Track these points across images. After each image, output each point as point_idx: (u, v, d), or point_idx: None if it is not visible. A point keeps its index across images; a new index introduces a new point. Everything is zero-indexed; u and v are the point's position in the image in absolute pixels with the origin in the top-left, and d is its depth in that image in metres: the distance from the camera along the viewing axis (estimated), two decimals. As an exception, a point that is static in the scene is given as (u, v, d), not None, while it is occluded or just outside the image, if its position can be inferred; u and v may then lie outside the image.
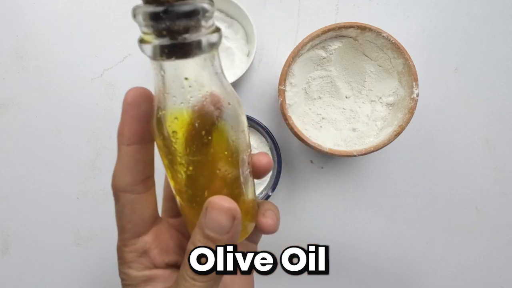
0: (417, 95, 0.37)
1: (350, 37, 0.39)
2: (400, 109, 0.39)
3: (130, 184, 0.19)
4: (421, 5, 0.44)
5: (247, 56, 0.42)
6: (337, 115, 0.42)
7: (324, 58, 0.41)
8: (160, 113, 0.17)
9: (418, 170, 0.45)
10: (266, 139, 0.43)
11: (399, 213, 0.45)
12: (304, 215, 0.45)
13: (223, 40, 0.41)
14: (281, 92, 0.37)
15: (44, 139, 0.44)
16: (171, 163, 0.18)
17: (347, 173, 0.45)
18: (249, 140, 0.20)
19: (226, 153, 0.18)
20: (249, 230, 0.22)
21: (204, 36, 0.15)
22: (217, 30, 0.16)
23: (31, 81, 0.44)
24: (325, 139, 0.41)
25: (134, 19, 0.15)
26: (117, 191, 0.20)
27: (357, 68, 0.42)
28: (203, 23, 0.15)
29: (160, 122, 0.17)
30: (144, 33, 0.15)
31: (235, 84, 0.43)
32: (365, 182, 0.45)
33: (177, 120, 0.17)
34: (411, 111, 0.37)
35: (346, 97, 0.42)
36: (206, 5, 0.14)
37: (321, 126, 0.42)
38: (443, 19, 0.44)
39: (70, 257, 0.44)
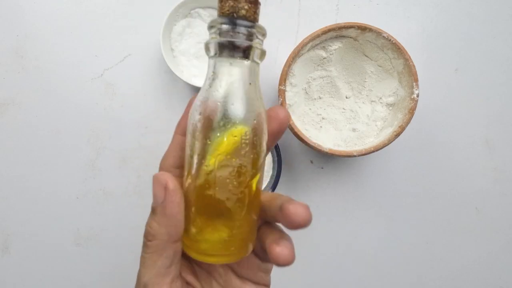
0: (417, 96, 0.37)
1: (351, 37, 0.39)
2: (400, 109, 0.39)
3: (171, 165, 0.22)
4: (421, 5, 0.44)
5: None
6: (337, 115, 0.42)
7: (324, 58, 0.41)
8: (203, 100, 0.20)
9: (418, 170, 0.45)
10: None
11: (399, 213, 0.45)
12: (304, 215, 0.45)
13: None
14: (281, 92, 0.37)
15: (44, 139, 0.44)
16: (197, 146, 0.20)
17: (347, 173, 0.45)
18: (262, 166, 0.21)
19: (244, 151, 0.19)
20: (248, 250, 0.21)
21: (251, 50, 0.19)
22: (264, 53, 0.21)
23: (31, 81, 0.44)
24: (325, 139, 0.41)
25: (209, 28, 0.19)
26: (160, 169, 0.22)
27: (357, 68, 0.42)
28: (254, 40, 0.19)
29: (204, 106, 0.20)
30: (212, 37, 0.19)
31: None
32: (365, 182, 0.45)
33: (213, 108, 0.19)
34: (411, 112, 0.37)
35: (346, 97, 0.42)
36: (259, 27, 0.20)
37: (321, 126, 0.42)
38: (443, 20, 0.44)
39: (70, 257, 0.44)
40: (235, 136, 0.19)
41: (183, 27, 0.42)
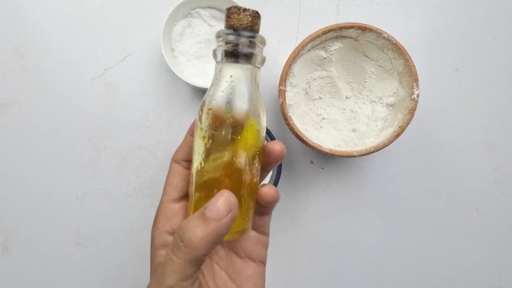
0: (418, 96, 0.37)
1: (351, 37, 0.39)
2: (401, 109, 0.39)
3: (180, 158, 0.25)
4: (422, 6, 0.44)
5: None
6: (337, 115, 0.42)
7: (324, 58, 0.41)
8: (209, 98, 0.23)
9: (418, 170, 0.45)
10: (266, 139, 0.43)
11: (399, 214, 0.45)
12: (304, 215, 0.45)
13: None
14: (281, 92, 0.37)
15: (45, 139, 0.44)
16: (203, 141, 0.23)
17: (347, 173, 0.45)
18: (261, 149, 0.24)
19: (244, 142, 0.22)
20: (246, 230, 0.24)
21: (253, 56, 0.22)
22: (264, 59, 0.23)
23: (31, 80, 0.44)
24: (325, 139, 0.41)
25: (217, 37, 0.23)
26: (172, 161, 0.26)
27: (358, 68, 0.42)
28: (255, 48, 0.22)
29: (208, 104, 0.23)
30: (219, 45, 0.22)
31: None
32: (365, 183, 0.45)
33: (216, 103, 0.22)
34: (412, 112, 0.37)
35: (347, 98, 0.42)
36: (260, 37, 0.23)
37: (321, 127, 0.42)
38: (444, 20, 0.44)
39: (70, 256, 0.44)
40: (252, 126, 0.22)
41: (183, 27, 0.42)
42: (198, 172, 0.23)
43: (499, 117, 0.45)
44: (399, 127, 0.37)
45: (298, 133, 0.37)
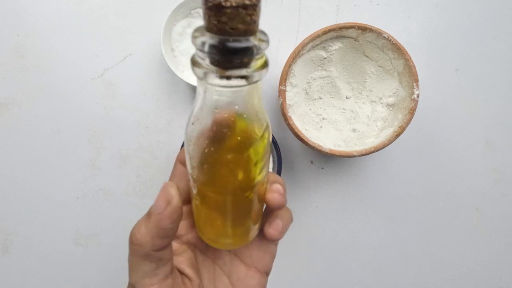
0: (418, 96, 0.37)
1: (351, 37, 0.39)
2: (401, 109, 0.39)
3: (183, 161, 0.24)
4: (422, 6, 0.44)
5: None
6: (337, 115, 0.42)
7: (324, 58, 0.41)
8: (195, 120, 0.18)
9: (418, 170, 0.45)
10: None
11: (399, 214, 0.45)
12: (304, 215, 0.45)
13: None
14: (281, 92, 0.37)
15: (45, 139, 0.44)
16: (198, 159, 0.19)
17: (347, 173, 0.45)
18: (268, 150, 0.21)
19: (243, 154, 0.19)
20: (253, 235, 0.24)
21: (249, 73, 0.16)
22: (266, 65, 0.17)
23: (31, 80, 0.44)
24: (326, 139, 0.41)
25: (193, 40, 0.15)
26: (177, 160, 0.24)
27: (358, 68, 0.42)
28: (252, 63, 0.16)
29: (198, 124, 0.19)
30: (199, 56, 0.16)
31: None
32: (365, 183, 0.45)
33: (203, 125, 0.18)
34: (412, 112, 0.37)
35: (347, 98, 0.42)
36: (262, 45, 0.15)
37: (321, 127, 0.42)
38: (444, 20, 0.44)
39: (70, 256, 0.44)
40: (261, 131, 0.19)
41: (184, 27, 0.42)
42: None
43: (499, 117, 0.45)
44: (399, 127, 0.37)
45: (298, 133, 0.37)
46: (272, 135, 0.41)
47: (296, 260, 0.45)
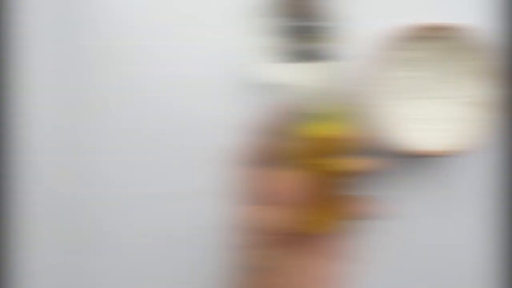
0: (500, 96, 0.37)
1: (436, 37, 0.40)
2: (482, 109, 0.39)
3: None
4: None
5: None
6: (418, 115, 0.43)
7: (409, 58, 0.41)
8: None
9: None
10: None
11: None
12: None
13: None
14: (362, 93, 0.38)
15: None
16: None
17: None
18: None
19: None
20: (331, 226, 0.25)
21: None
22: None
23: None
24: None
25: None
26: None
27: (443, 69, 0.42)
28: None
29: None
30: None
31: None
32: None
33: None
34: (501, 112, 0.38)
35: (429, 98, 0.43)
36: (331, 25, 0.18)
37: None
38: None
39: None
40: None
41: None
42: None
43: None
44: (491, 127, 0.37)
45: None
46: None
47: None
